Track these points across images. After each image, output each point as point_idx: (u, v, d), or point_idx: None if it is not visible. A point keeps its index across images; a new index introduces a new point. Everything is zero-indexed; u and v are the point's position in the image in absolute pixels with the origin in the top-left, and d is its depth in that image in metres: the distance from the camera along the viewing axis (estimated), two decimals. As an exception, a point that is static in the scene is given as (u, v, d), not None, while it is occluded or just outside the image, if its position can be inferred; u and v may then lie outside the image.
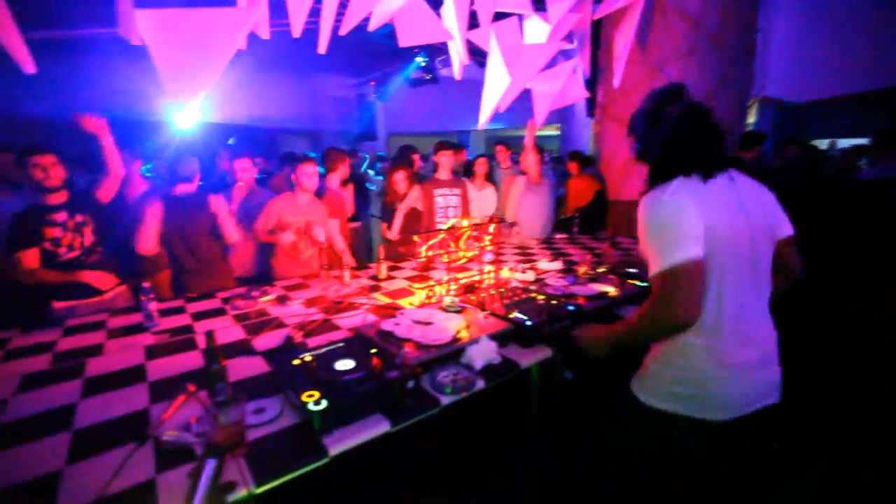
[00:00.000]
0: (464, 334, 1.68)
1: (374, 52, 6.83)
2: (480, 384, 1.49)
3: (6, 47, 1.59)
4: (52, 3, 4.29)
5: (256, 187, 3.39)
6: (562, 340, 1.76)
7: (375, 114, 9.02)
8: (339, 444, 1.19)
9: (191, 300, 2.51)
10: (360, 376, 1.35)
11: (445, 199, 3.79)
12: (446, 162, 3.76)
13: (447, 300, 1.95)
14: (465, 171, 4.10)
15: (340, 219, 3.33)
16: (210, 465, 0.92)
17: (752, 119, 7.65)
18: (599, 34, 4.38)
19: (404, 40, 2.93)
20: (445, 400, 1.40)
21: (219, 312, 2.29)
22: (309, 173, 2.98)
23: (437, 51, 6.80)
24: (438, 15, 2.95)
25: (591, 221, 4.20)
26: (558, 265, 2.83)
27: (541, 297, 2.03)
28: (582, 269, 2.44)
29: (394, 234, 3.55)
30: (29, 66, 1.67)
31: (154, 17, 1.95)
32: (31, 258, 2.30)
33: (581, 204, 4.50)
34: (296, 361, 1.45)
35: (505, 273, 2.65)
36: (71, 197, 2.46)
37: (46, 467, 1.12)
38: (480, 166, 4.03)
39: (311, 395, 1.24)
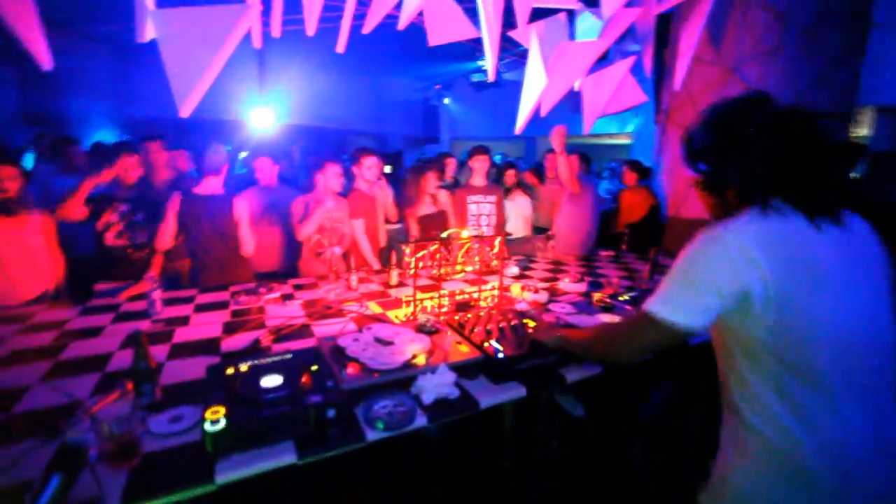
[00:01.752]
0: (420, 360, 1.51)
1: (439, 55, 6.80)
2: (421, 421, 1.32)
3: (25, 42, 1.70)
4: (71, 4, 4.76)
5: (280, 185, 3.46)
6: (543, 381, 1.53)
7: (440, 117, 9.02)
8: (231, 471, 1.09)
9: (204, 291, 2.60)
10: (277, 397, 1.24)
11: (479, 206, 3.63)
12: (481, 167, 3.60)
13: (422, 318, 1.79)
14: (496, 178, 3.91)
15: (367, 219, 3.28)
16: (53, 483, 0.86)
17: (864, 132, 6.47)
18: (667, 30, 3.92)
19: (434, 38, 2.82)
20: (373, 436, 1.25)
21: (221, 306, 2.33)
22: (331, 175, 2.98)
23: (502, 54, 6.61)
24: (474, 12, 2.80)
25: (643, 239, 3.78)
26: (581, 287, 2.55)
27: (532, 324, 1.80)
28: (597, 296, 2.15)
29: (412, 237, 3.45)
30: (46, 63, 1.78)
31: (165, 16, 2.00)
32: (77, 210, 2.52)
33: (633, 219, 4.09)
34: (229, 370, 1.38)
35: (515, 291, 2.43)
36: (139, 195, 2.70)
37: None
38: (510, 176, 3.82)
39: (215, 412, 1.15)
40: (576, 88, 3.34)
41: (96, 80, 6.81)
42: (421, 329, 1.75)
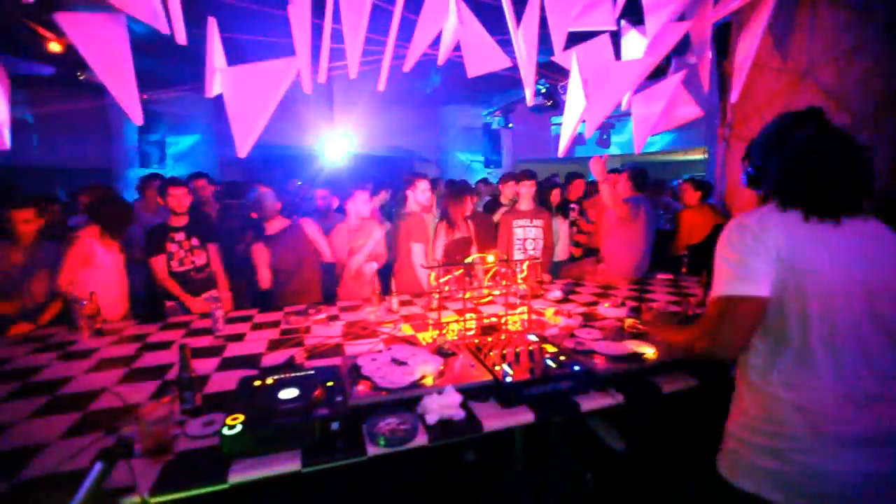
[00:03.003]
0: (428, 380, 1.58)
1: (496, 82, 6.96)
2: (421, 440, 1.38)
3: (120, 101, 2.08)
4: (156, 70, 5.48)
5: (335, 214, 3.74)
6: (553, 407, 1.53)
7: (501, 141, 9.13)
8: (243, 473, 1.24)
9: (263, 311, 2.88)
10: (289, 408, 1.38)
11: (524, 230, 3.65)
12: (527, 192, 3.63)
13: (440, 340, 1.86)
14: (539, 201, 3.91)
15: (424, 242, 3.39)
16: (96, 469, 1.05)
17: None
18: (727, 39, 3.73)
19: (472, 70, 2.96)
20: (373, 451, 1.34)
21: (274, 325, 2.57)
22: (359, 201, 3.21)
23: (557, 76, 6.61)
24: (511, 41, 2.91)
25: (704, 261, 3.55)
26: (621, 312, 2.47)
27: (551, 349, 1.80)
28: (628, 322, 2.08)
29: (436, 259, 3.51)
30: (137, 119, 2.16)
31: (228, 73, 2.34)
32: (159, 264, 2.96)
33: (694, 240, 3.85)
34: (256, 382, 1.55)
35: (548, 315, 2.42)
36: (191, 222, 3.09)
37: None
38: (555, 196, 3.79)
39: (235, 418, 1.31)
40: (623, 108, 3.30)
41: (195, 125, 7.86)
42: (439, 351, 1.82)
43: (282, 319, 2.66)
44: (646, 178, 3.65)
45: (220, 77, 2.35)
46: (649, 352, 1.80)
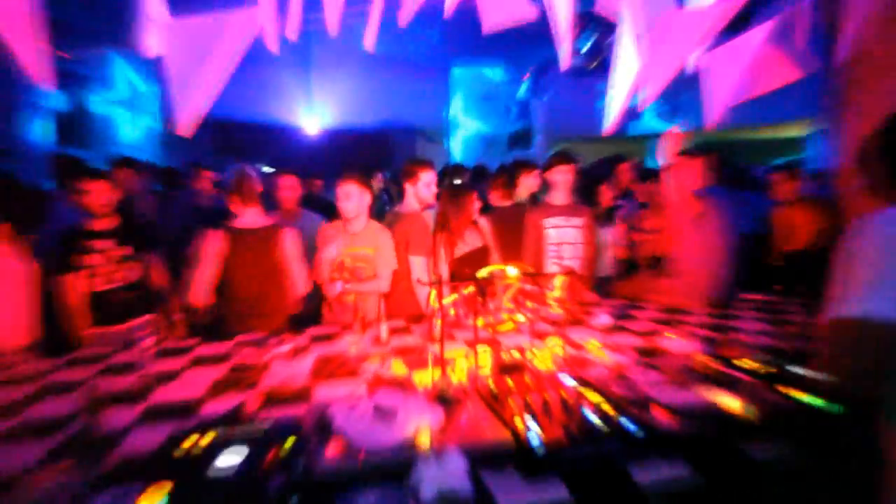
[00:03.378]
0: (423, 440, 1.52)
1: (526, 37, 6.95)
2: (411, 526, 1.32)
3: (20, 57, 2.07)
4: (75, 25, 5.54)
5: (303, 211, 3.72)
6: (591, 480, 1.47)
7: (531, 114, 9.12)
8: (163, 567, 1.18)
9: (206, 340, 2.84)
10: (230, 477, 1.33)
11: (559, 231, 3.60)
12: (563, 181, 3.59)
13: (442, 383, 1.81)
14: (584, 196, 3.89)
15: (426, 254, 3.34)
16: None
17: None
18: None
19: (488, 23, 2.93)
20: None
21: (221, 360, 2.53)
22: (344, 194, 3.14)
23: (605, 29, 6.58)
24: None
25: (809, 274, 3.46)
26: (692, 345, 2.40)
27: (594, 398, 1.74)
28: (700, 360, 2.01)
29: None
30: (46, 81, 2.15)
31: (171, 29, 2.34)
32: (71, 285, 2.94)
33: (795, 246, 3.77)
34: (188, 441, 1.50)
35: (592, 349, 2.36)
36: (121, 225, 3.06)
37: None
38: (605, 194, 3.75)
39: (159, 488, 1.27)
40: (689, 69, 3.25)
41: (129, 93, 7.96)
42: (439, 398, 1.77)
43: (232, 352, 2.62)
44: (727, 165, 3.59)
45: (158, 32, 2.35)
46: (734, 403, 1.72)
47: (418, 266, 3.25)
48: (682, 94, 9.16)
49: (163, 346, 2.76)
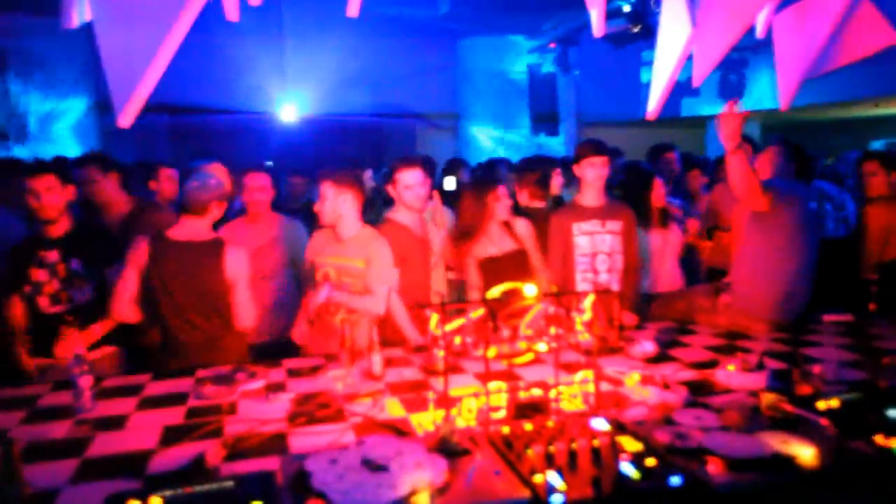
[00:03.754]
0: (422, 500, 1.53)
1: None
2: None
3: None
4: None
5: (279, 217, 3.76)
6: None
7: (558, 92, 9.16)
8: None
9: (160, 377, 2.87)
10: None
11: (592, 239, 3.63)
12: (595, 177, 3.60)
13: (445, 429, 1.82)
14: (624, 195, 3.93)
15: (408, 267, 3.39)
16: None
17: None
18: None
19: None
20: None
21: (177, 400, 2.56)
22: (319, 196, 3.23)
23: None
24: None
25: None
26: (757, 380, 2.40)
27: (633, 446, 1.74)
28: (768, 400, 2.00)
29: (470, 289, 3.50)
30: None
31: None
32: (12, 307, 2.99)
33: (890, 255, 3.77)
34: (132, 504, 1.51)
35: (630, 384, 2.36)
36: (72, 234, 3.10)
37: None
38: (657, 194, 3.78)
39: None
40: (759, 35, 3.26)
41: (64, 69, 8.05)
42: (442, 446, 1.79)
43: (191, 390, 2.64)
44: (805, 154, 3.58)
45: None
46: (809, 454, 1.71)
47: (390, 280, 3.31)
48: (745, 64, 9.16)
49: (106, 383, 2.78)
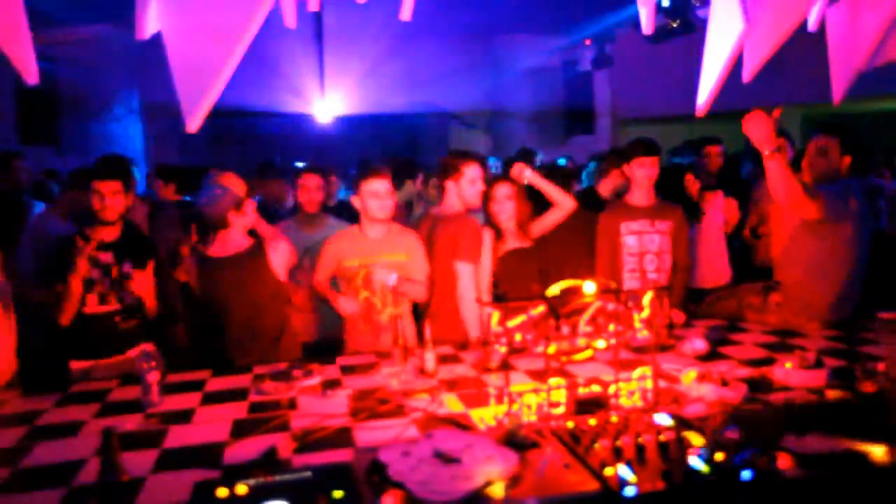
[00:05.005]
0: (496, 490, 1.58)
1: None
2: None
3: (10, 56, 2.22)
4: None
5: (325, 216, 3.84)
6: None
7: (594, 90, 9.14)
8: None
9: (219, 374, 2.96)
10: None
11: (640, 239, 3.63)
12: (644, 176, 3.61)
13: (512, 423, 1.87)
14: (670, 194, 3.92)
15: (475, 262, 3.44)
16: None
17: None
18: None
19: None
20: None
21: (238, 396, 2.64)
22: (376, 192, 3.25)
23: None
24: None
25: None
26: (816, 377, 2.40)
27: (698, 441, 1.77)
28: (833, 397, 2.02)
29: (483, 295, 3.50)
30: (32, 77, 2.29)
31: (169, 4, 2.46)
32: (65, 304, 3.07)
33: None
34: (220, 492, 1.59)
35: (687, 382, 2.38)
36: (123, 237, 3.20)
37: None
38: (690, 184, 3.77)
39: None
40: (811, 28, 3.23)
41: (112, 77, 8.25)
42: (509, 439, 1.82)
43: (250, 387, 2.72)
44: (861, 145, 3.46)
45: (156, 7, 2.47)
46: (876, 450, 1.73)
47: (466, 277, 3.32)
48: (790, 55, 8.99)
49: (167, 379, 2.88)
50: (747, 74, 3.07)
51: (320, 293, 3.46)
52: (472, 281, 3.37)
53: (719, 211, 4.49)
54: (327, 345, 3.65)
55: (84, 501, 1.67)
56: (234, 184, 3.19)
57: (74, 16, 6.74)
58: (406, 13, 2.83)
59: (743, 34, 2.89)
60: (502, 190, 3.51)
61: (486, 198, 3.55)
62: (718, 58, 3.03)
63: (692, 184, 4.11)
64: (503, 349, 2.13)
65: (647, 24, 3.06)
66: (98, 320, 3.12)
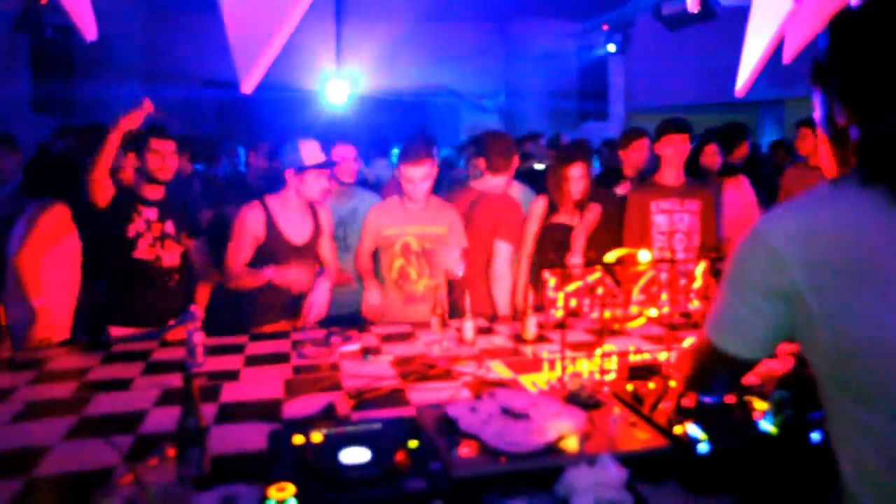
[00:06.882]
0: (570, 444, 1.61)
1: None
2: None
3: (70, 13, 2.24)
4: None
5: (358, 190, 3.88)
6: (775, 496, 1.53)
7: (609, 76, 9.14)
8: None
9: (255, 338, 2.99)
10: (364, 475, 1.44)
11: (670, 217, 3.66)
12: (673, 154, 3.63)
13: (575, 383, 1.89)
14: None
15: (514, 242, 3.50)
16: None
17: None
18: None
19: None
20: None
21: (279, 359, 2.68)
22: (411, 178, 3.28)
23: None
24: None
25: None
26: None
27: (761, 405, 1.80)
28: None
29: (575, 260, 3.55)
30: (90, 33, 2.31)
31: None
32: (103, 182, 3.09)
33: None
34: (297, 439, 1.61)
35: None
36: (166, 198, 3.25)
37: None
38: (708, 156, 3.82)
39: (281, 489, 1.37)
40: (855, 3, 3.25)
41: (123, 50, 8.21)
42: (573, 399, 1.85)
43: (292, 350, 2.75)
44: None
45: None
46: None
47: (504, 254, 3.36)
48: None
49: (206, 342, 2.90)
50: (788, 56, 3.10)
51: (360, 270, 3.49)
52: (508, 260, 3.43)
53: (742, 196, 4.52)
54: (345, 319, 3.65)
55: (156, 446, 1.69)
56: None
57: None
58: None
59: (790, 13, 2.92)
60: (577, 170, 3.55)
61: (558, 174, 3.60)
62: (762, 38, 3.05)
63: (713, 156, 4.14)
64: (559, 313, 2.15)
65: (691, 1, 3.07)
66: (144, 268, 3.17)
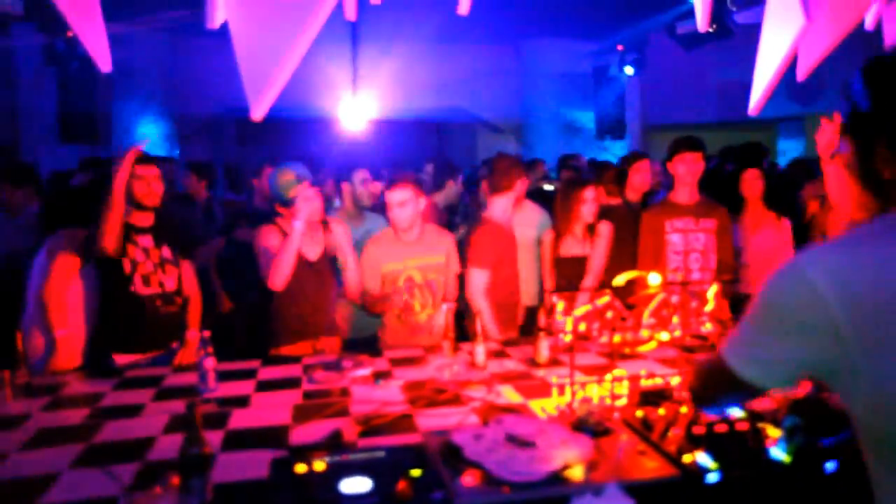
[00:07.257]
0: (576, 473, 1.58)
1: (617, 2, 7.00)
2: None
3: (85, 43, 2.27)
4: None
5: (371, 214, 3.91)
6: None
7: (625, 95, 9.13)
8: None
9: (268, 362, 2.99)
10: (363, 507, 1.42)
11: (685, 237, 3.62)
12: (690, 173, 3.59)
13: (583, 409, 1.87)
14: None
15: (498, 267, 3.48)
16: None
17: None
18: None
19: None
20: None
21: (291, 384, 2.67)
22: (392, 203, 3.27)
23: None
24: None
25: None
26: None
27: (775, 431, 1.76)
28: None
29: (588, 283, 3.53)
30: (105, 65, 2.34)
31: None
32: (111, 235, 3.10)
33: None
34: (299, 468, 1.60)
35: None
36: (158, 223, 3.27)
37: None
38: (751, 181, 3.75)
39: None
40: (868, 25, 3.20)
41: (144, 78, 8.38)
42: (581, 426, 1.83)
43: (302, 376, 2.75)
44: None
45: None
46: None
47: (477, 283, 3.39)
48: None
49: (219, 367, 2.91)
50: (801, 74, 3.05)
51: (367, 305, 3.46)
52: (481, 289, 3.41)
53: (781, 236, 4.39)
54: (363, 342, 3.65)
55: (162, 474, 1.69)
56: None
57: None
58: (464, 7, 2.84)
59: (802, 30, 2.87)
60: (591, 193, 3.54)
61: (570, 198, 3.62)
62: (775, 56, 3.01)
63: (754, 181, 4.05)
64: (568, 338, 2.13)
65: (702, 21, 3.04)
66: (143, 302, 3.16)
